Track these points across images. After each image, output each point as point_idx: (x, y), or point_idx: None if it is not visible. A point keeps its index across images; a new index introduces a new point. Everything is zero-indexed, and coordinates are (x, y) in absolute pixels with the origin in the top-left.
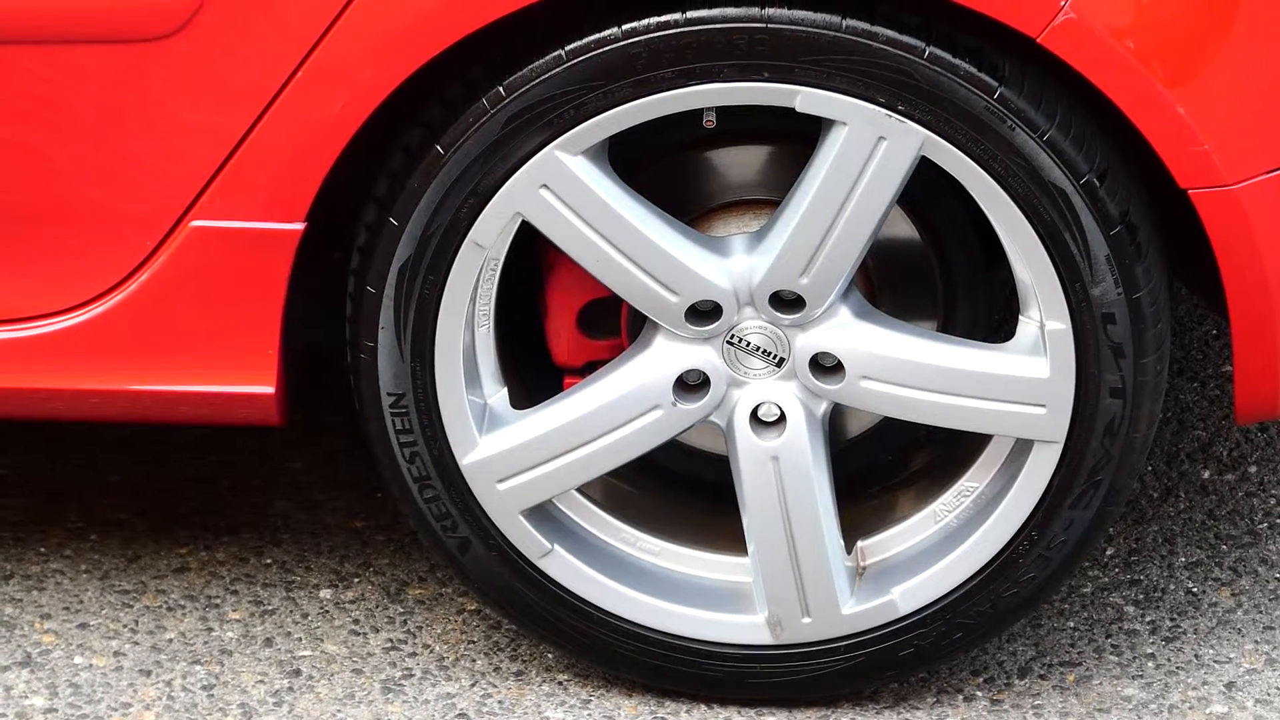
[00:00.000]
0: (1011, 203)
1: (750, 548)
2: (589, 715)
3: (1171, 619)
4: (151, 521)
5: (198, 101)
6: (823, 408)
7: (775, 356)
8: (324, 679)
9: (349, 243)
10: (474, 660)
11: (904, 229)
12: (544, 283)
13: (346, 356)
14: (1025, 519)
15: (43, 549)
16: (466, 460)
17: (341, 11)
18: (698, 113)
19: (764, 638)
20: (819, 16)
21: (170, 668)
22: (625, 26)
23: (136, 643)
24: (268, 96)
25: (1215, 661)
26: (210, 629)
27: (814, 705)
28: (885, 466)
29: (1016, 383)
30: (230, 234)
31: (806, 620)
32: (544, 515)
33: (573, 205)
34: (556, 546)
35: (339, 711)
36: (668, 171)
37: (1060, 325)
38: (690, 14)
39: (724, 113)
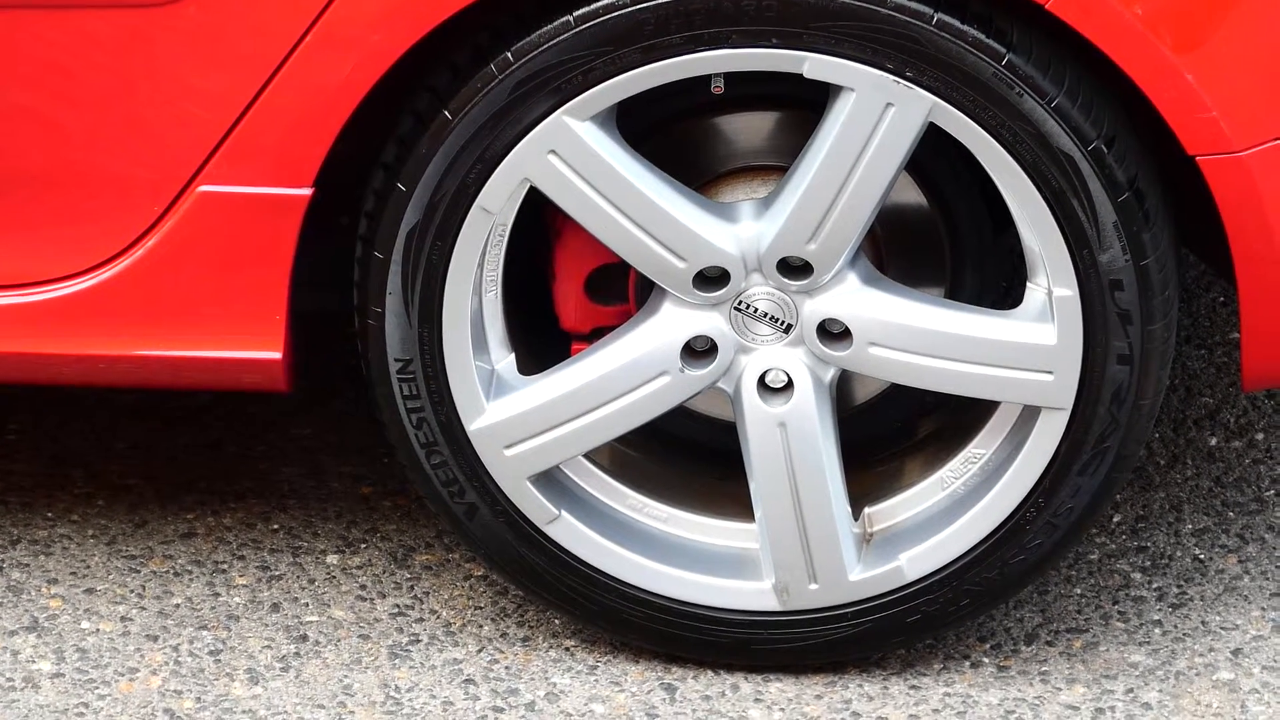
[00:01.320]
0: (1019, 169)
1: (757, 514)
2: (596, 680)
3: (1178, 586)
4: (158, 487)
5: (205, 66)
6: (830, 374)
7: (783, 323)
8: (331, 644)
9: (357, 208)
10: (481, 626)
11: (912, 195)
12: (552, 248)
13: (354, 322)
14: (1032, 486)
15: (50, 514)
16: (474, 426)
17: None
18: (706, 78)
19: (771, 604)
20: None
21: (177, 633)
22: None
23: (143, 608)
24: (275, 61)
25: (1222, 628)
26: (217, 594)
27: (821, 671)
28: (892, 433)
29: (1024, 349)
30: (238, 199)
31: (813, 586)
32: (551, 481)
33: (580, 171)
34: (563, 512)
35: (345, 677)
36: (676, 138)
37: (1068, 292)
38: None
39: (732, 78)
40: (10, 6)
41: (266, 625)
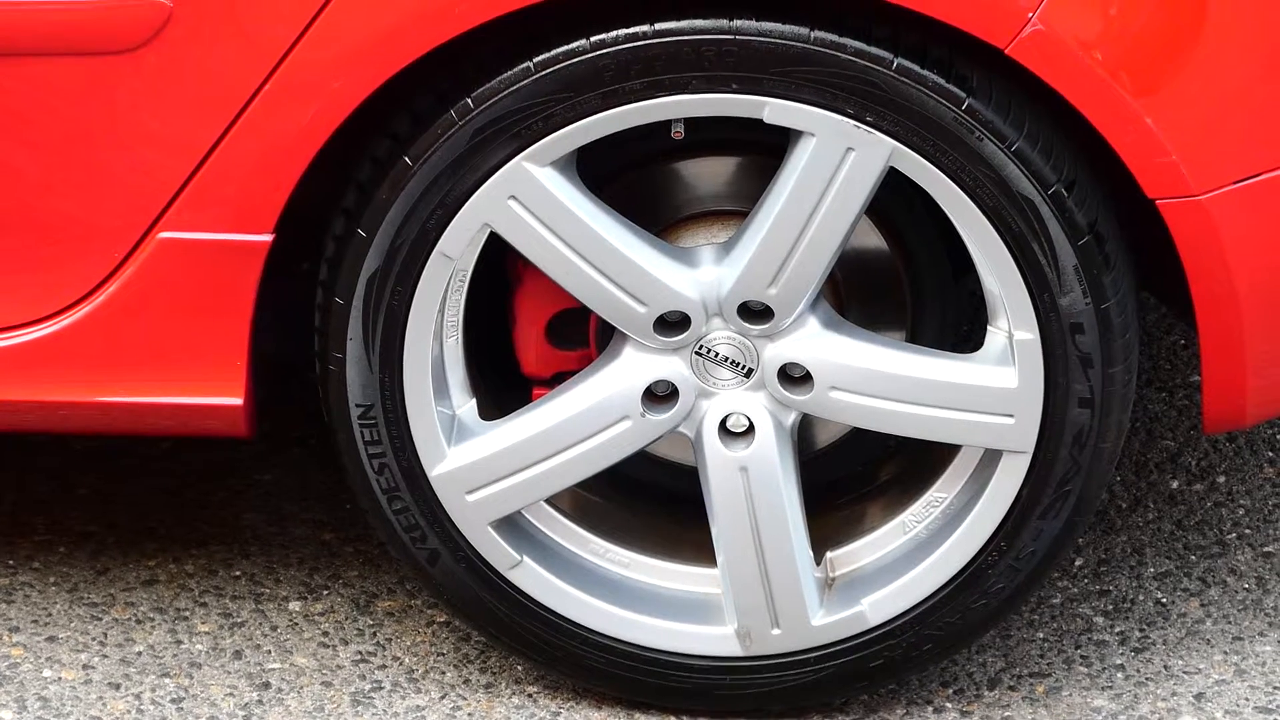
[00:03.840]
0: (979, 213)
1: (719, 559)
2: None
3: (1140, 630)
4: (120, 534)
5: (166, 113)
6: (791, 418)
7: (744, 367)
8: (293, 692)
9: (318, 254)
10: (443, 673)
11: (872, 239)
12: (512, 294)
13: (315, 368)
14: (994, 530)
15: (11, 561)
16: (435, 471)
17: (310, 23)
18: (666, 124)
19: (733, 649)
20: (787, 28)
21: (139, 681)
22: (593, 38)
23: (105, 656)
24: (236, 108)
25: (1184, 672)
26: (179, 641)
27: (784, 717)
28: (854, 477)
29: (985, 393)
30: (198, 245)
31: (776, 631)
32: (513, 527)
33: (541, 216)
34: (525, 558)
35: None
36: (636, 183)
37: (1028, 335)
38: (658, 25)
39: (692, 124)
40: None
41: (229, 673)
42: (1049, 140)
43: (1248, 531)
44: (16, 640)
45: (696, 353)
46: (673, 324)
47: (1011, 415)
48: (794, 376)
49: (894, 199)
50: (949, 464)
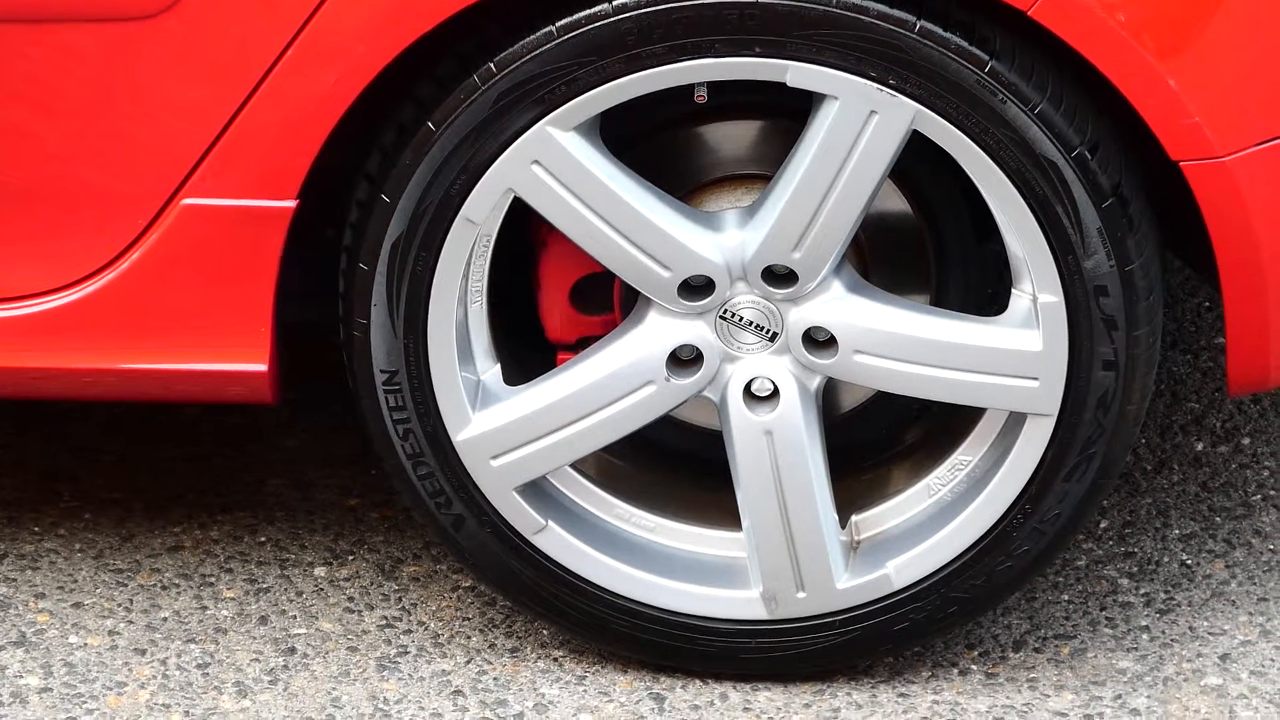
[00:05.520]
0: (1003, 176)
1: (745, 523)
2: (584, 691)
3: (1165, 591)
4: (145, 500)
5: (188, 79)
6: (816, 382)
7: (768, 331)
8: (319, 657)
9: (342, 219)
10: (469, 637)
11: (896, 203)
12: (537, 258)
13: (339, 334)
14: (1019, 492)
15: (37, 528)
16: (460, 437)
17: None
18: (690, 88)
19: (759, 612)
20: None
21: (165, 646)
22: (616, 2)
23: (131, 622)
24: (259, 74)
25: (1209, 633)
26: (205, 607)
27: (809, 680)
28: (879, 441)
29: (1009, 356)
30: (222, 212)
31: (801, 595)
32: (538, 491)
33: (565, 181)
34: (551, 523)
35: (334, 689)
36: (660, 147)
37: (1053, 298)
38: None
39: (715, 88)
40: None
41: (254, 638)
42: (1072, 102)
43: (1272, 493)
44: (43, 606)
45: (721, 317)
46: (697, 288)
47: (1036, 378)
48: (818, 340)
49: (918, 162)
50: (974, 427)
